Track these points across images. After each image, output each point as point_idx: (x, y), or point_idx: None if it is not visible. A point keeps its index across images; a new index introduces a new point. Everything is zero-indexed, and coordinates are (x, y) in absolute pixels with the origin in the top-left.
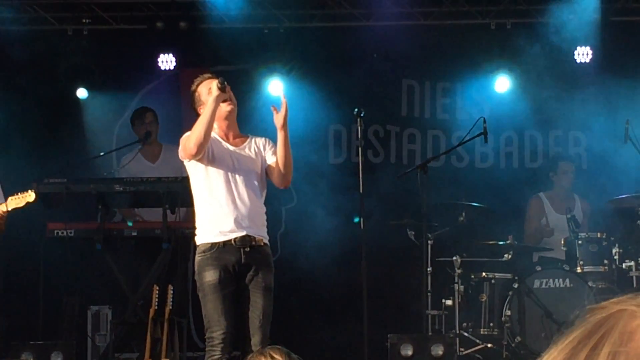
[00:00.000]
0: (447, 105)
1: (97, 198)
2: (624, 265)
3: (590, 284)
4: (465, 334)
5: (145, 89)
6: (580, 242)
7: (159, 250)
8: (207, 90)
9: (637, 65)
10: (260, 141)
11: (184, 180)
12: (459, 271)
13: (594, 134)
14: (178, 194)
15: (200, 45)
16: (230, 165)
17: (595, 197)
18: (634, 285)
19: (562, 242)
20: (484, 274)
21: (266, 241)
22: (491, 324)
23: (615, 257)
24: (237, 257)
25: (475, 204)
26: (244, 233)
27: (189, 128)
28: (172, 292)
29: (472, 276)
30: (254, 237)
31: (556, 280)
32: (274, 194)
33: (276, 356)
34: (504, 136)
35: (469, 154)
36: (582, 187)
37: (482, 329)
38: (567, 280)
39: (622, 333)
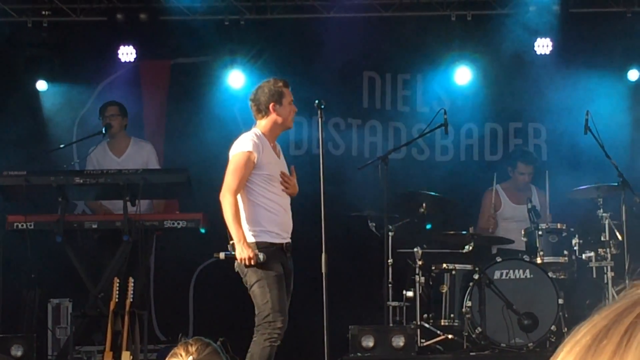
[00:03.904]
0: (407, 97)
1: (57, 190)
2: (583, 256)
3: (550, 274)
4: (426, 325)
5: (106, 81)
6: (540, 232)
7: (119, 243)
8: (290, 101)
9: (597, 56)
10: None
11: (145, 173)
12: (419, 262)
13: (554, 126)
14: (138, 186)
15: (160, 37)
16: (279, 174)
17: (555, 189)
18: (594, 275)
19: (523, 233)
20: (444, 265)
21: None
22: (452, 315)
23: (575, 248)
24: (284, 260)
25: (436, 195)
26: (289, 240)
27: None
28: (132, 284)
29: (433, 267)
30: (291, 244)
31: (516, 271)
32: None
33: (191, 348)
34: (464, 128)
35: (429, 147)
36: (542, 178)
37: (442, 320)
38: (528, 271)
39: None
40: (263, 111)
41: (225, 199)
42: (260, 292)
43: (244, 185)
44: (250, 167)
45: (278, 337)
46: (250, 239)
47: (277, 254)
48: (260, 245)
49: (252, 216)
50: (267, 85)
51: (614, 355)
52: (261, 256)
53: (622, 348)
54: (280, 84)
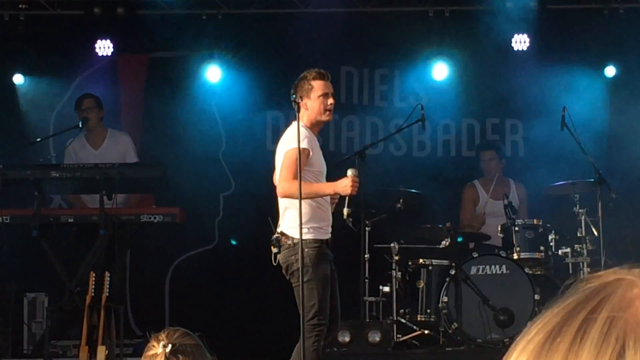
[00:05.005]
0: (385, 93)
1: (34, 184)
2: (560, 252)
3: (526, 270)
4: (403, 321)
5: (83, 75)
6: (516, 228)
7: (96, 237)
8: (320, 94)
9: (574, 53)
10: None
11: (121, 167)
12: (396, 258)
13: (530, 122)
14: (115, 180)
15: (138, 31)
16: (325, 170)
17: (532, 184)
18: (570, 271)
19: (499, 229)
20: (421, 260)
21: None
22: (428, 311)
23: (551, 244)
24: (330, 255)
25: (413, 191)
26: (330, 234)
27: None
28: (108, 278)
29: (410, 263)
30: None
31: (493, 266)
32: (213, 181)
33: (161, 336)
34: (442, 124)
35: (406, 143)
36: (519, 174)
37: (419, 316)
38: (504, 266)
39: (621, 300)
40: (296, 107)
41: (286, 187)
42: (308, 293)
43: None
44: (304, 163)
45: (322, 336)
46: (304, 235)
47: (325, 251)
48: (311, 244)
49: (305, 213)
50: (300, 79)
51: (569, 353)
52: (352, 171)
53: (576, 345)
54: (310, 77)
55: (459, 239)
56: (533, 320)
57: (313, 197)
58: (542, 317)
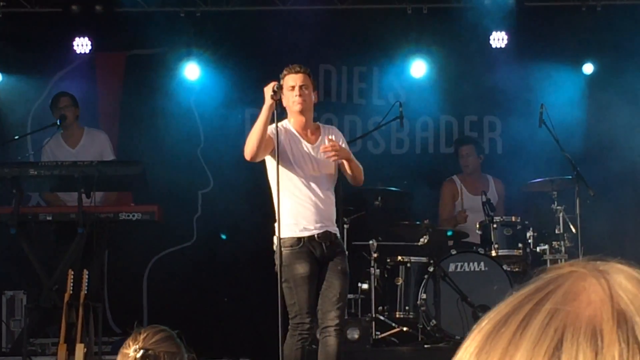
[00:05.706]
0: (363, 90)
1: (12, 182)
2: (538, 249)
3: (504, 267)
4: (381, 318)
5: (61, 73)
6: (495, 225)
7: (75, 235)
8: (288, 87)
9: (552, 50)
10: (332, 134)
11: (100, 165)
12: (375, 255)
13: (509, 119)
14: (93, 178)
15: (116, 28)
16: (311, 165)
17: (510, 181)
18: None
19: (477, 226)
20: (399, 257)
21: (338, 234)
22: (407, 308)
23: (529, 241)
24: (320, 251)
25: (391, 188)
26: (325, 229)
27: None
28: (87, 276)
29: (388, 260)
30: (333, 233)
31: (471, 263)
32: (191, 179)
33: (139, 337)
34: (420, 121)
35: (385, 140)
36: (498, 171)
37: (397, 313)
38: (482, 263)
39: (566, 292)
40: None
41: (244, 146)
42: (288, 292)
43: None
44: (269, 146)
45: (308, 336)
46: (281, 234)
47: (305, 249)
48: (285, 243)
49: (280, 208)
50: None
51: (509, 344)
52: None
53: (517, 336)
54: (282, 74)
55: (449, 233)
56: (489, 311)
57: (260, 128)
58: (497, 307)
